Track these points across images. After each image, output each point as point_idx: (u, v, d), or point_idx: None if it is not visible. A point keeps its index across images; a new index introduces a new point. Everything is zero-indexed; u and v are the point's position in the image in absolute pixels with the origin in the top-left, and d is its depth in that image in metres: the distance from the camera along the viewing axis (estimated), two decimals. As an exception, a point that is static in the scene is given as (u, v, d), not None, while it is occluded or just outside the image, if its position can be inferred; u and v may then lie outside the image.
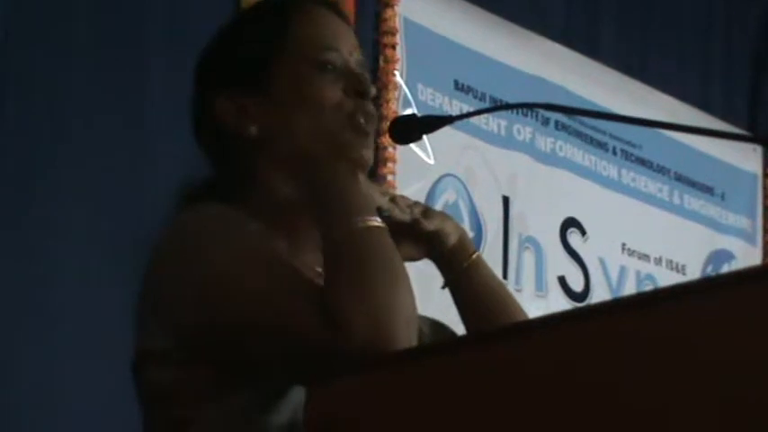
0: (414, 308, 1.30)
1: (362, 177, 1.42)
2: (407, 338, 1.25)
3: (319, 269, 1.46)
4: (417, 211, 1.59)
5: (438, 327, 1.62)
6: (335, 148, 1.45)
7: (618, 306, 1.11)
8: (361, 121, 1.48)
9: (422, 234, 1.58)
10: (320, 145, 1.45)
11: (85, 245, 2.71)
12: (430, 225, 1.58)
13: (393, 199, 1.56)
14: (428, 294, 1.59)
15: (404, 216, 1.55)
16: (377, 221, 1.33)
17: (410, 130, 1.59)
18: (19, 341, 2.61)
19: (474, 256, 1.62)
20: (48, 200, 2.69)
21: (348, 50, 1.52)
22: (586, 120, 4.01)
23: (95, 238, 2.72)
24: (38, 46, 2.73)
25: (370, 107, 1.50)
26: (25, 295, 2.64)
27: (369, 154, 1.50)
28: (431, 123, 1.57)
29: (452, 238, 1.61)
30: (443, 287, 1.63)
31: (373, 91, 1.52)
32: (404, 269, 1.32)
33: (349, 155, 1.46)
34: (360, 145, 1.48)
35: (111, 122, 2.81)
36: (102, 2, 2.86)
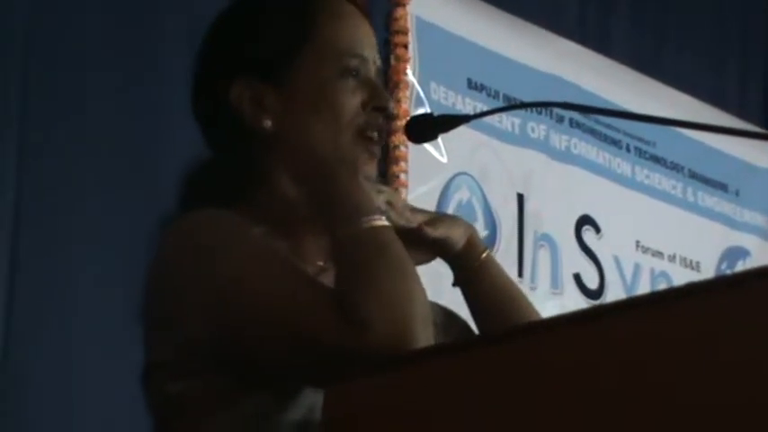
0: (427, 304, 1.30)
1: (362, 179, 1.42)
2: (426, 336, 1.26)
3: (322, 263, 1.47)
4: (421, 218, 1.57)
5: (450, 315, 1.61)
6: (343, 158, 1.44)
7: (632, 305, 1.11)
8: (374, 136, 1.49)
9: (426, 241, 1.57)
10: (329, 152, 1.44)
11: (101, 244, 2.72)
12: (434, 232, 1.57)
13: (390, 203, 1.54)
14: (438, 292, 1.59)
15: (400, 220, 1.54)
16: (382, 220, 1.33)
17: (426, 129, 1.59)
18: (35, 342, 2.62)
19: (484, 255, 1.62)
20: (65, 200, 2.70)
21: (372, 58, 1.52)
22: (600, 117, 4.01)
23: (111, 236, 2.72)
24: (56, 47, 2.74)
25: (383, 123, 1.50)
26: (42, 295, 2.65)
27: (373, 170, 1.50)
28: (447, 122, 1.57)
29: (459, 244, 1.60)
30: (454, 285, 1.63)
31: (392, 107, 1.52)
32: (413, 266, 1.32)
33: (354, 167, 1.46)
34: (366, 161, 1.48)
35: (129, 120, 2.82)
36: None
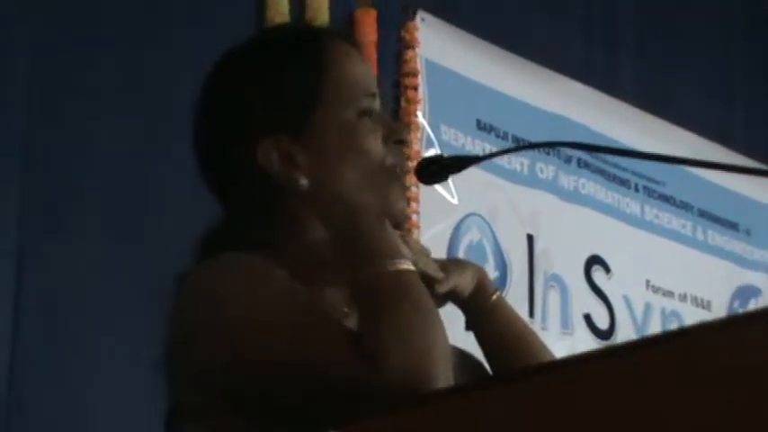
0: (448, 346, 1.30)
1: (388, 224, 1.42)
2: (446, 377, 1.26)
3: (346, 309, 1.47)
4: (432, 267, 1.58)
5: (464, 356, 1.61)
6: (382, 201, 1.46)
7: (644, 345, 1.12)
8: (401, 171, 1.50)
9: (436, 296, 1.56)
10: (367, 197, 1.45)
11: (113, 276, 2.72)
12: (444, 287, 1.58)
13: (406, 242, 1.54)
14: (452, 334, 1.59)
15: (426, 268, 1.55)
16: (407, 264, 1.33)
17: (436, 170, 1.59)
18: (44, 375, 2.62)
19: (494, 297, 1.62)
20: (75, 232, 2.71)
21: (378, 93, 1.53)
22: (608, 157, 4.01)
23: (123, 268, 2.73)
24: (63, 85, 2.76)
25: (405, 156, 1.52)
26: (53, 326, 2.65)
27: (405, 203, 1.52)
28: (457, 164, 1.57)
29: (468, 290, 1.61)
30: (466, 329, 1.64)
31: (409, 138, 1.53)
32: (435, 309, 1.33)
33: (393, 208, 1.47)
34: (402, 198, 1.50)
35: (138, 155, 2.84)
36: (127, 40, 2.89)
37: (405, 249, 1.45)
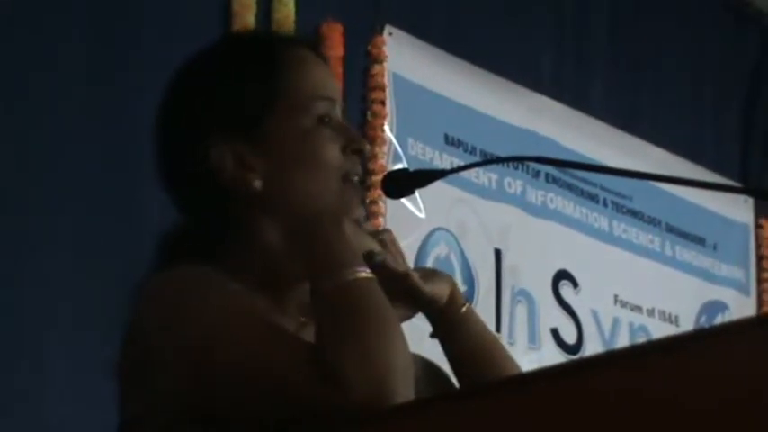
0: (409, 357, 1.29)
1: (350, 226, 1.41)
2: (406, 391, 1.25)
3: (303, 318, 1.46)
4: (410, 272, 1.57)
5: (431, 367, 1.60)
6: (335, 207, 1.44)
7: (612, 358, 1.11)
8: (356, 179, 1.49)
9: (417, 296, 1.56)
10: (319, 203, 1.44)
11: (75, 296, 2.71)
12: (425, 287, 1.56)
13: (383, 242, 1.53)
14: (419, 344, 1.58)
15: (398, 267, 1.53)
16: (365, 272, 1.32)
17: (403, 184, 1.59)
18: (8, 395, 2.60)
19: (464, 308, 1.61)
20: (37, 253, 2.69)
21: (338, 98, 1.52)
22: (577, 172, 4.02)
23: (85, 288, 2.72)
24: (23, 91, 2.74)
25: (360, 166, 1.51)
26: (14, 346, 2.63)
27: (362, 211, 1.51)
28: (423, 178, 1.57)
29: (444, 298, 1.59)
30: (432, 336, 1.63)
31: (368, 148, 1.52)
32: (395, 318, 1.32)
33: (346, 214, 1.45)
34: (355, 204, 1.48)
35: (101, 169, 2.82)
36: (93, 43, 2.87)
37: (372, 243, 1.44)
